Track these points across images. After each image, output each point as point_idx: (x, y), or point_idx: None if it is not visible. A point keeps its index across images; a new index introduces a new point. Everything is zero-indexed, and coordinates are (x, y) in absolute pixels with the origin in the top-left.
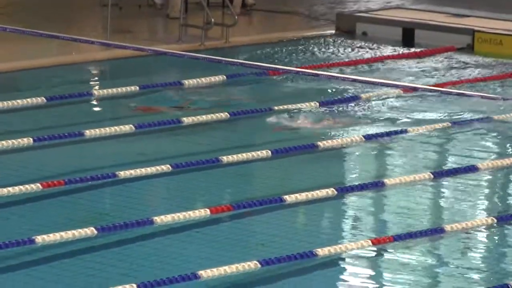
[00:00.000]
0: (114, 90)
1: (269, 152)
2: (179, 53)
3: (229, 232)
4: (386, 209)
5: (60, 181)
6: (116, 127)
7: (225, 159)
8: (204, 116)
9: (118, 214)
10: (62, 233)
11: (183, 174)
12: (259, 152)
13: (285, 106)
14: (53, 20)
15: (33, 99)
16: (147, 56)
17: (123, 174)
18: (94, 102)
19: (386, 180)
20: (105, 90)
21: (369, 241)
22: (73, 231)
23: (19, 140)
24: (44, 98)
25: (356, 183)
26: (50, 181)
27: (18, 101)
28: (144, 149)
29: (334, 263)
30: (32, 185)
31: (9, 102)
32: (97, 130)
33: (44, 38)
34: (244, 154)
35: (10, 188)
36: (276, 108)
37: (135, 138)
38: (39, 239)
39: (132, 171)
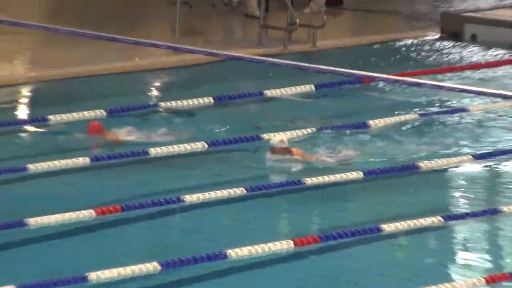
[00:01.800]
0: (185, 102)
1: (360, 173)
2: (259, 59)
3: (316, 268)
4: (501, 241)
5: (116, 207)
6: (184, 145)
7: (309, 181)
8: (288, 133)
9: (185, 245)
10: (120, 269)
11: (260, 199)
12: (348, 174)
13: (382, 120)
14: (112, 20)
15: (92, 111)
16: (222, 61)
17: (189, 198)
18: (159, 115)
19: (503, 208)
20: (173, 102)
21: (482, 280)
22: (133, 267)
23: (74, 160)
24: (104, 111)
25: (466, 210)
26: (104, 207)
27: (74, 114)
28: (215, 169)
29: None
30: (84, 212)
31: (63, 115)
32: (162, 148)
33: (102, 41)
34: (331, 176)
35: (58, 215)
36: (371, 122)
37: (205, 157)
38: (93, 276)
39: (200, 195)
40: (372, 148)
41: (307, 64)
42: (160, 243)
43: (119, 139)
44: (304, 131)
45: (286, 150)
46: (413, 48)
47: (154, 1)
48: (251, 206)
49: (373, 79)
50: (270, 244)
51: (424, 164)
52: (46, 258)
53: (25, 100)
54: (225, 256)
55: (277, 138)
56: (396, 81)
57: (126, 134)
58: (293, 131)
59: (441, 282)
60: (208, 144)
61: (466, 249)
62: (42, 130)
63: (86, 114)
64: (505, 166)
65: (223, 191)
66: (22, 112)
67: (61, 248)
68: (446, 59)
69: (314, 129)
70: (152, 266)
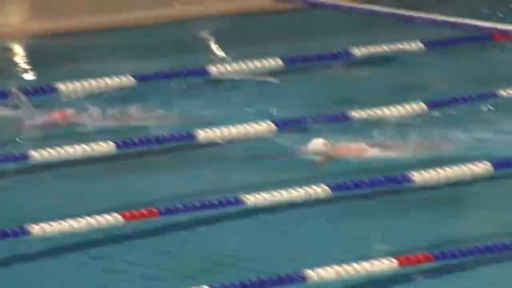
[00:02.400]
0: (242, 65)
1: (488, 165)
2: (346, 5)
3: None
4: None
5: (151, 209)
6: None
7: (417, 176)
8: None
9: (246, 261)
10: None
11: (349, 201)
12: (471, 166)
13: None
14: None
15: (120, 78)
16: (295, 11)
17: (252, 199)
18: (200, 86)
19: None
20: (225, 66)
21: None
22: None
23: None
24: (132, 78)
25: None
26: (135, 211)
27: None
28: (283, 160)
29: None
30: (108, 217)
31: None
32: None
33: None
34: (448, 169)
35: (83, 220)
36: (502, 93)
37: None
38: None
39: (266, 195)
40: (501, 130)
41: (409, 13)
42: (211, 257)
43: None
44: (408, 107)
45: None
46: None
47: None
48: (336, 211)
49: (510, 34)
50: (365, 264)
51: None
52: None
53: (17, 60)
54: (303, 278)
55: (317, 143)
56: None
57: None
58: (393, 106)
59: None
60: (276, 125)
61: None
62: None
63: (109, 81)
64: None
65: (298, 190)
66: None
67: (87, 260)
68: None
69: (423, 104)
70: None
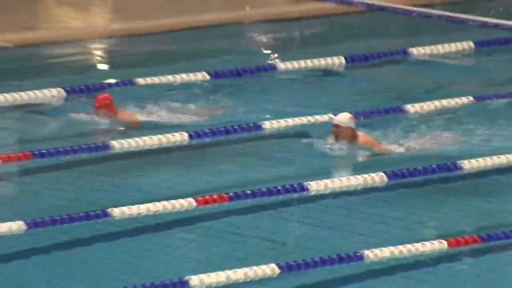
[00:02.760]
0: (309, 62)
1: None
2: (405, 8)
3: (469, 274)
4: None
5: (222, 195)
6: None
7: (467, 164)
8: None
9: (308, 243)
10: (229, 272)
11: (403, 189)
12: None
13: None
14: None
15: (192, 74)
16: (356, 13)
17: (314, 186)
18: (275, 78)
19: None
20: (293, 62)
21: None
22: (246, 269)
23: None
24: (206, 75)
25: None
26: (208, 196)
27: (161, 78)
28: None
29: None
30: (182, 201)
31: (148, 79)
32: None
33: None
34: (496, 158)
35: (150, 204)
36: None
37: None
38: (195, 280)
39: (328, 182)
40: None
41: (464, 16)
42: (277, 240)
43: (133, 120)
44: (459, 100)
45: (351, 134)
46: None
47: None
48: (390, 198)
49: None
50: (417, 245)
51: None
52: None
53: (100, 57)
54: (361, 257)
55: (344, 115)
56: None
57: (145, 113)
58: (444, 100)
59: None
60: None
61: None
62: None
63: (185, 77)
64: None
65: (357, 177)
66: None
67: (158, 244)
68: None
69: (472, 98)
70: (269, 269)
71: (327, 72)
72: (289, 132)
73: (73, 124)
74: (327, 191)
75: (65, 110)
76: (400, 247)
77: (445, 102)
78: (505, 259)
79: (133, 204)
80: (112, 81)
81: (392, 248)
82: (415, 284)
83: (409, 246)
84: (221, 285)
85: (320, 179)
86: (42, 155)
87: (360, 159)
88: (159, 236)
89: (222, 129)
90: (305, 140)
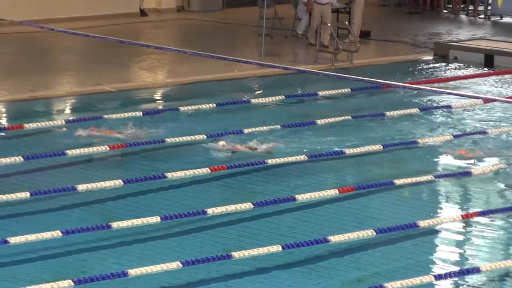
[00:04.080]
0: (267, 99)
1: None
2: (316, 71)
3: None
4: None
5: (223, 166)
6: (266, 127)
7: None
8: (331, 119)
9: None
10: (226, 206)
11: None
12: None
13: (394, 112)
14: (220, 45)
15: (207, 105)
16: (292, 74)
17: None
18: (251, 108)
19: None
20: (260, 99)
21: None
22: (235, 205)
23: (195, 136)
24: (215, 104)
25: None
26: (217, 166)
27: (194, 106)
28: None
29: None
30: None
31: (189, 107)
32: (255, 128)
33: (213, 59)
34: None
35: (182, 172)
36: (387, 113)
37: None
38: (210, 211)
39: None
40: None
41: (346, 75)
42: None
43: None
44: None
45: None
46: (415, 65)
47: (246, 34)
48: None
49: (390, 85)
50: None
51: None
52: None
53: (162, 96)
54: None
55: (220, 142)
56: (404, 87)
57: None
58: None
59: None
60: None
61: None
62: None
63: (204, 107)
64: None
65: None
66: (159, 103)
67: (186, 197)
68: (437, 72)
69: (349, 117)
70: (247, 205)
71: (281, 104)
72: None
73: None
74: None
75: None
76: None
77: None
78: None
79: None
80: (161, 108)
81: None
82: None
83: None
84: None
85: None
86: None
87: None
88: None
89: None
90: None
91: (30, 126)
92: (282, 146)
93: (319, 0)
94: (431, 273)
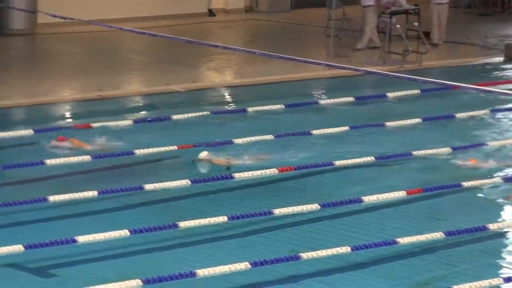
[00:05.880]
0: (335, 100)
1: None
2: (385, 73)
3: None
4: None
5: (291, 167)
6: (336, 128)
7: None
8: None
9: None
10: (293, 207)
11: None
12: None
13: (464, 114)
14: (288, 46)
15: (275, 106)
16: (361, 75)
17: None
18: (320, 109)
19: None
20: (328, 100)
21: None
22: (301, 206)
23: (260, 136)
24: (283, 105)
25: None
26: (285, 167)
27: (265, 107)
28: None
29: None
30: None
31: (254, 108)
32: (324, 130)
33: (283, 60)
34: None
35: (250, 173)
36: (457, 115)
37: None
38: (277, 212)
39: None
40: None
41: (416, 77)
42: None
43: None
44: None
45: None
46: (485, 67)
47: (314, 35)
48: None
49: (458, 87)
50: None
51: None
52: None
53: (231, 96)
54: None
55: (203, 154)
56: (474, 89)
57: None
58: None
59: None
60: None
61: None
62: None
63: (272, 107)
64: None
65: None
66: (227, 104)
67: (253, 197)
68: (508, 74)
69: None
70: (314, 206)
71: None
72: None
73: None
74: None
75: None
76: None
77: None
78: None
79: None
80: (229, 108)
81: None
82: None
83: None
84: None
85: None
86: None
87: None
88: None
89: None
90: None
91: (97, 125)
92: (352, 149)
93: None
94: (500, 276)
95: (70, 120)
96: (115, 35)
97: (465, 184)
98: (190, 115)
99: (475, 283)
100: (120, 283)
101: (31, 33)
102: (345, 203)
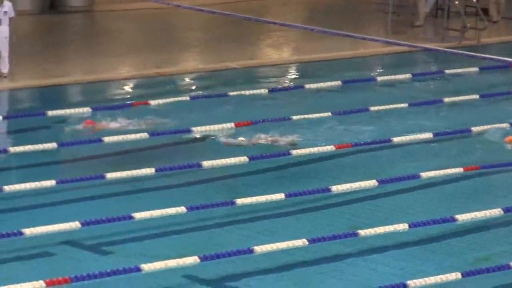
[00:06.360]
0: (393, 77)
1: None
2: (443, 49)
3: None
4: None
5: (348, 144)
6: (394, 105)
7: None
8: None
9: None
10: (351, 184)
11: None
12: None
13: None
14: (346, 23)
15: (332, 82)
16: (418, 51)
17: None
18: (377, 88)
19: None
20: (385, 77)
21: None
22: (359, 183)
23: (319, 114)
24: (340, 82)
25: None
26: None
27: (322, 84)
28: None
29: None
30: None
31: (312, 84)
32: (382, 106)
33: (340, 36)
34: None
35: (307, 150)
36: None
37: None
38: (334, 188)
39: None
40: None
41: (474, 53)
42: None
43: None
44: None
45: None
46: None
47: (372, 12)
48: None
49: None
50: None
51: None
52: None
53: (288, 74)
54: None
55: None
56: None
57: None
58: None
59: None
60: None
61: None
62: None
63: (329, 84)
64: None
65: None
66: (284, 81)
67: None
68: None
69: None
70: (372, 182)
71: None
72: None
73: None
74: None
75: None
76: None
77: None
78: None
79: None
80: (277, 87)
81: None
82: None
83: None
84: None
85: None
86: None
87: None
88: None
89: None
90: None
91: (155, 102)
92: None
93: None
94: None
95: (128, 96)
96: (172, 12)
97: None
98: (247, 92)
99: None
100: (178, 259)
101: (89, 10)
102: (402, 179)
